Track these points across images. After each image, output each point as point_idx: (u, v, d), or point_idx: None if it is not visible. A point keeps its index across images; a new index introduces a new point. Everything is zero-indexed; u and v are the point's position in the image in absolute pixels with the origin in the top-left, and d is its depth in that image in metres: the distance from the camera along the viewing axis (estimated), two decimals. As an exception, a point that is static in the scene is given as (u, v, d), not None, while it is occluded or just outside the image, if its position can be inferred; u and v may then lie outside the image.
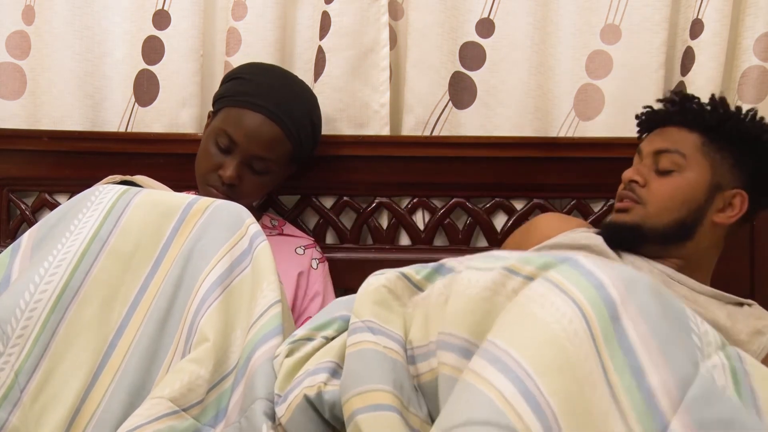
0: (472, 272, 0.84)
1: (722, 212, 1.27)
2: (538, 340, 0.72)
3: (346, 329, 0.91)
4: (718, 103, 1.31)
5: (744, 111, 1.30)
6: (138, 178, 1.29)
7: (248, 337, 0.93)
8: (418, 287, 0.92)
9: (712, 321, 1.17)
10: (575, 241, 1.31)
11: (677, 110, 1.32)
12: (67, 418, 0.91)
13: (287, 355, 0.89)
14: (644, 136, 1.38)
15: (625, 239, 1.28)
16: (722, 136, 1.27)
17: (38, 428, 0.91)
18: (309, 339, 0.92)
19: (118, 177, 1.28)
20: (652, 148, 1.31)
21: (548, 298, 0.75)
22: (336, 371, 0.86)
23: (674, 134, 1.30)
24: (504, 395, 0.68)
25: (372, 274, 0.94)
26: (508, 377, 0.69)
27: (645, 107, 1.39)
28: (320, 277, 1.55)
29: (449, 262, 0.92)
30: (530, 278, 0.79)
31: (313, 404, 0.83)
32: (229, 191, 1.40)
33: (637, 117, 1.41)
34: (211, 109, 1.52)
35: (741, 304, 1.27)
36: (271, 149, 1.42)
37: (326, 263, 1.59)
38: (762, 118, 1.31)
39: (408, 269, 0.93)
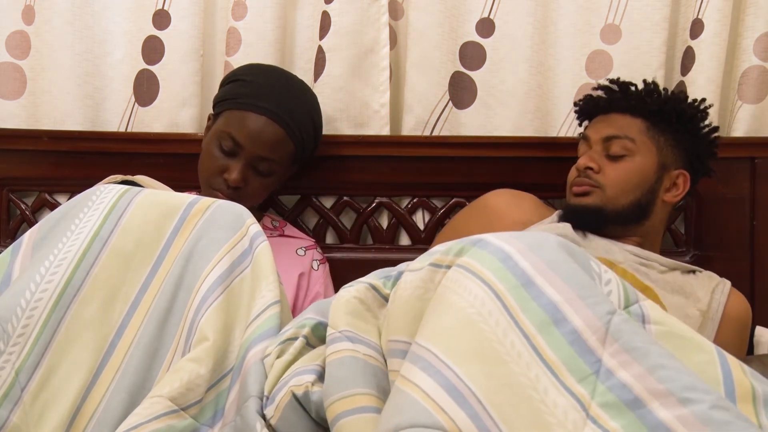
0: (408, 274, 0.86)
1: (669, 192, 1.38)
2: (454, 330, 0.73)
3: (318, 328, 0.92)
4: (654, 88, 1.41)
5: (677, 93, 1.42)
6: (139, 178, 1.29)
7: (244, 336, 0.93)
8: (386, 299, 0.92)
9: (680, 287, 1.30)
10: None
11: (620, 97, 1.40)
12: (67, 416, 0.91)
13: (278, 356, 0.89)
14: (585, 123, 1.45)
15: (589, 221, 1.36)
16: (664, 120, 1.37)
17: (39, 427, 0.90)
18: (295, 338, 0.91)
19: (119, 177, 1.28)
20: (600, 135, 1.39)
21: (461, 283, 0.76)
22: (322, 375, 0.85)
23: (620, 120, 1.38)
24: (428, 394, 0.69)
25: (343, 287, 0.94)
26: (430, 374, 0.70)
27: (585, 96, 1.47)
28: (321, 278, 1.55)
29: (405, 266, 0.93)
30: (450, 267, 0.80)
31: (301, 403, 0.83)
32: (234, 194, 1.40)
33: (575, 104, 1.48)
34: (212, 111, 1.52)
35: (694, 272, 1.40)
36: (275, 150, 1.42)
37: (327, 264, 1.59)
38: (695, 100, 1.42)
39: (376, 280, 0.94)
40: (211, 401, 0.90)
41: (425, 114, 1.70)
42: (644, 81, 1.43)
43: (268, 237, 1.30)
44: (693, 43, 1.66)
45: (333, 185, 1.70)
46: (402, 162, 1.67)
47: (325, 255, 1.61)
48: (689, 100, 1.42)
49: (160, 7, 1.68)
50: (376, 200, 1.70)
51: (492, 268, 0.76)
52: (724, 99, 1.70)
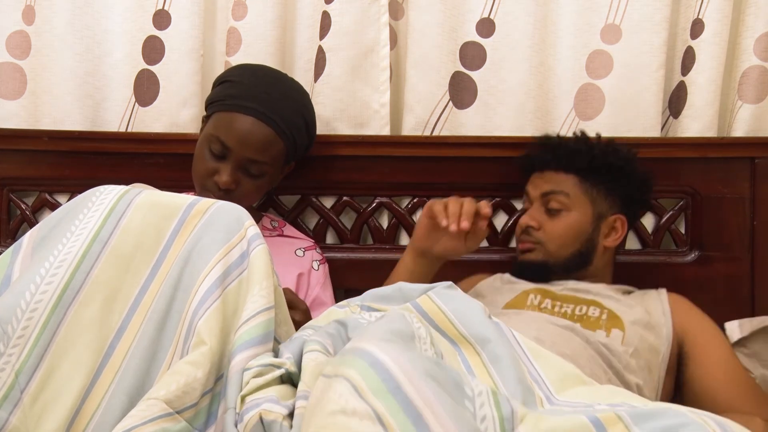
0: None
1: (609, 237, 1.47)
2: None
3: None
4: (582, 141, 1.50)
5: (601, 142, 1.49)
6: (137, 186, 1.28)
7: (232, 341, 0.94)
8: None
9: (622, 300, 1.39)
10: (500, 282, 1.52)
11: (551, 157, 1.50)
12: (67, 418, 0.91)
13: (255, 376, 0.89)
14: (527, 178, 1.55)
15: (536, 275, 1.46)
16: (593, 173, 1.46)
17: (38, 429, 0.90)
18: (279, 367, 0.91)
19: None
20: (539, 192, 1.49)
21: (333, 393, 0.76)
22: (292, 414, 0.86)
23: (554, 177, 1.48)
24: None
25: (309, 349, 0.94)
26: None
27: (521, 155, 1.57)
28: (320, 279, 1.55)
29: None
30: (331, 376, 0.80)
31: (266, 430, 0.83)
32: (226, 196, 1.39)
33: (516, 161, 1.58)
34: (204, 113, 1.51)
35: (630, 292, 1.48)
36: (265, 151, 1.41)
37: (326, 264, 1.59)
38: (623, 146, 1.50)
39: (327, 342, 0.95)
40: (205, 406, 0.90)
41: (425, 114, 1.70)
42: (574, 134, 1.53)
43: (267, 237, 1.29)
44: (693, 43, 1.66)
45: (333, 185, 1.70)
46: (402, 162, 1.67)
47: (326, 255, 1.61)
48: (615, 149, 1.49)
49: (160, 7, 1.68)
50: (377, 200, 1.70)
51: (367, 380, 0.76)
52: (725, 99, 1.70)
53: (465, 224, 1.33)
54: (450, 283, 1.06)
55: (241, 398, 0.88)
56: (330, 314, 1.10)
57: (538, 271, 1.46)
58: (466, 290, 1.52)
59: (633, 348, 1.28)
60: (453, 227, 1.34)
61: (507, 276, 1.52)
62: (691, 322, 1.38)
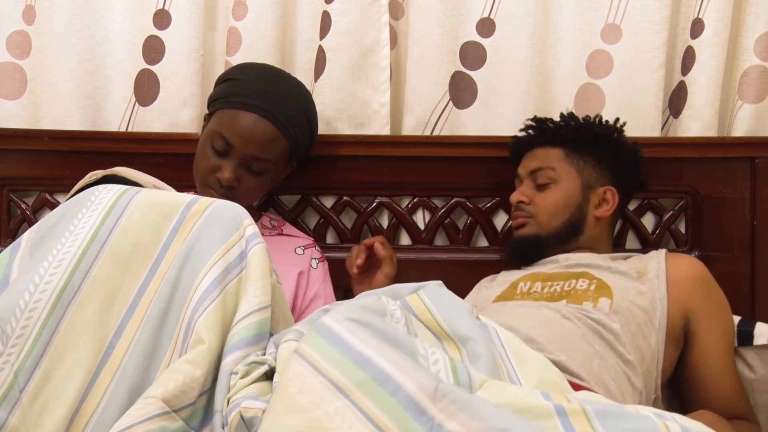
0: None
1: (599, 207, 1.49)
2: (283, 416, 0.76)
3: None
4: (569, 117, 1.55)
5: (591, 119, 1.54)
6: (119, 170, 1.26)
7: (225, 341, 0.94)
8: None
9: (617, 268, 1.39)
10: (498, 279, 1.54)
11: (538, 133, 1.55)
12: (66, 418, 0.91)
13: (243, 376, 0.90)
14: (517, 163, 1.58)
15: (529, 251, 1.50)
16: (580, 144, 1.50)
17: (37, 428, 0.90)
18: (263, 363, 0.92)
19: (100, 173, 1.25)
20: (527, 170, 1.53)
21: (292, 374, 0.79)
22: None
23: (541, 153, 1.52)
24: None
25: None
26: None
27: (512, 138, 1.61)
28: (320, 277, 1.55)
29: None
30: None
31: (247, 426, 0.84)
32: (228, 193, 1.40)
33: (506, 148, 1.61)
34: (207, 111, 1.51)
35: (629, 257, 1.49)
36: (267, 148, 1.42)
37: (326, 263, 1.59)
38: (607, 121, 1.54)
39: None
40: (202, 406, 0.90)
41: (425, 114, 1.70)
42: (561, 114, 1.57)
43: (266, 236, 1.29)
44: (693, 43, 1.66)
45: (333, 185, 1.70)
46: (402, 162, 1.67)
47: (326, 255, 1.61)
48: (603, 121, 1.54)
49: (160, 6, 1.68)
50: (377, 200, 1.70)
51: (320, 351, 0.79)
52: (725, 99, 1.70)
53: (356, 266, 1.51)
54: (439, 282, 1.08)
55: (227, 400, 0.88)
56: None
57: (531, 246, 1.49)
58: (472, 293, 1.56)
59: (621, 315, 1.29)
60: (352, 270, 1.52)
61: (507, 271, 1.54)
62: (697, 299, 1.36)
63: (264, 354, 0.94)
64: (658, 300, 1.35)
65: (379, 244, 1.51)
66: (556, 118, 1.70)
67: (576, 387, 1.07)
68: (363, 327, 0.81)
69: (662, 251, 1.45)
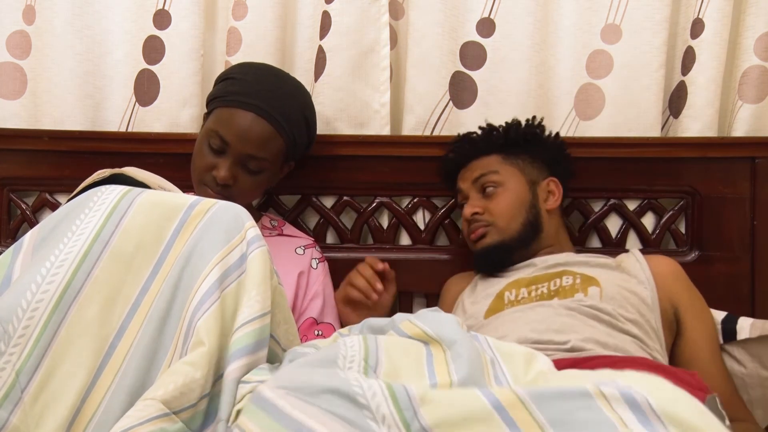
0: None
1: (548, 200, 1.52)
2: None
3: None
4: (490, 127, 1.57)
5: (511, 123, 1.56)
6: (128, 170, 1.27)
7: (229, 344, 0.94)
8: None
9: (597, 263, 1.41)
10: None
11: (469, 147, 1.57)
12: (67, 418, 0.91)
13: (250, 392, 0.90)
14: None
15: (497, 259, 1.49)
16: (512, 147, 1.53)
17: (39, 428, 0.90)
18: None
19: (108, 171, 1.26)
20: (469, 181, 1.54)
21: None
22: None
23: (479, 164, 1.54)
24: None
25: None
26: None
27: (442, 159, 1.62)
28: (320, 277, 1.55)
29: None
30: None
31: None
32: (224, 191, 1.40)
33: (441, 166, 1.63)
34: (206, 110, 1.51)
35: (598, 255, 1.48)
36: (264, 147, 1.42)
37: (326, 263, 1.59)
38: (528, 121, 1.57)
39: None
40: (203, 409, 0.90)
41: (426, 114, 1.70)
42: (480, 126, 1.59)
43: (266, 236, 1.29)
44: (693, 43, 1.66)
45: (333, 185, 1.70)
46: (402, 162, 1.67)
47: (326, 255, 1.61)
48: (524, 122, 1.57)
49: (160, 7, 1.68)
50: (377, 200, 1.70)
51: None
52: (725, 99, 1.70)
53: (376, 292, 1.48)
54: (436, 308, 1.10)
55: (235, 412, 0.88)
56: (334, 338, 1.10)
57: (499, 255, 1.48)
58: (446, 299, 1.59)
59: (613, 299, 1.31)
60: (374, 297, 1.48)
61: (477, 279, 1.53)
62: (680, 292, 1.39)
63: (270, 361, 0.95)
64: (647, 283, 1.37)
65: (385, 266, 1.51)
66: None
67: (593, 358, 1.11)
68: (293, 393, 0.82)
69: (634, 250, 1.48)
